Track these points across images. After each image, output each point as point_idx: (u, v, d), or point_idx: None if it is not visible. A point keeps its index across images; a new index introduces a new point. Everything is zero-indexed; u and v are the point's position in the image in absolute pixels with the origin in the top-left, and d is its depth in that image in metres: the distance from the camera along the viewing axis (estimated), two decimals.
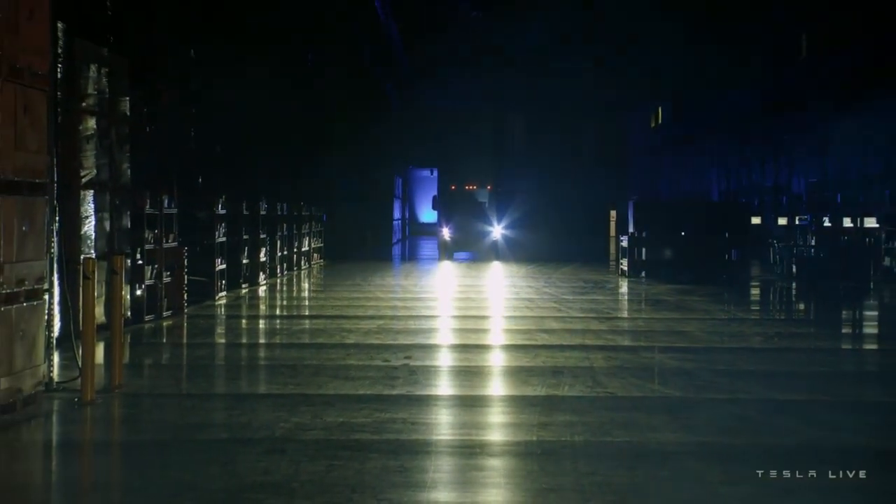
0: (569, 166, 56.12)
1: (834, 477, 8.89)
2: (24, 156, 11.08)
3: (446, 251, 42.14)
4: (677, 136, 67.52)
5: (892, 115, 37.24)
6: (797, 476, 8.92)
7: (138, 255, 19.19)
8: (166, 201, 20.61)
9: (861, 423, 11.20)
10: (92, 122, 17.38)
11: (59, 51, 15.46)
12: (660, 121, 72.21)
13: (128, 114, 18.91)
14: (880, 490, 8.67)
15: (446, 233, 42.45)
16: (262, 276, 28.46)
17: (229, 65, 28.38)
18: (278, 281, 30.15)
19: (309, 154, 39.87)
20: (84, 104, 16.99)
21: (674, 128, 68.80)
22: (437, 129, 65.79)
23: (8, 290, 10.73)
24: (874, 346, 19.27)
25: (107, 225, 17.89)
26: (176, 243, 21.00)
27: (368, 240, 49.09)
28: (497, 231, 42.09)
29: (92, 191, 17.31)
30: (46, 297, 11.89)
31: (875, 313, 24.14)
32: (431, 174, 73.13)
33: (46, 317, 11.94)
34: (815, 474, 8.95)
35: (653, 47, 54.80)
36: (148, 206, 19.73)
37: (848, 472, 9.04)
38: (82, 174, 16.96)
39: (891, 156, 38.26)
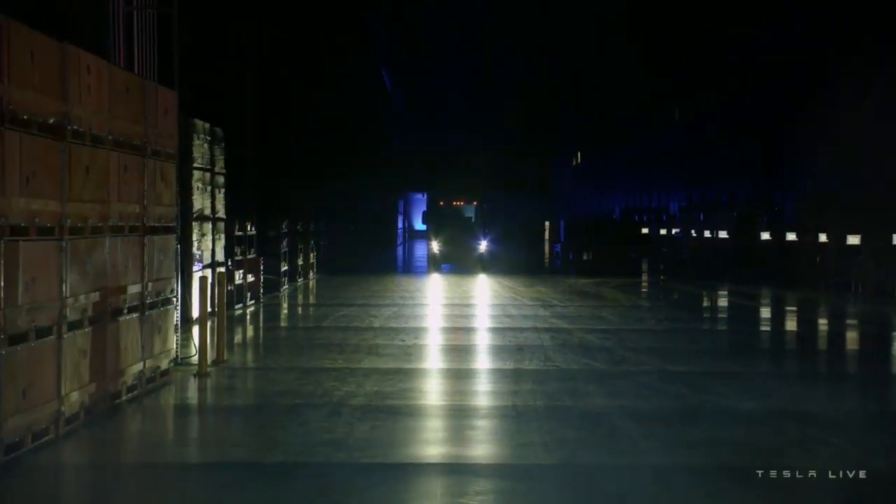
0: (520, 193, 56.15)
1: (716, 431, 8.86)
2: (161, 209, 11.06)
3: (435, 264, 33.27)
4: (591, 172, 67.73)
5: (735, 158, 37.43)
6: (691, 432, 8.85)
7: (230, 264, 19.14)
8: (249, 226, 20.58)
9: (727, 388, 11.15)
10: (199, 175, 17.32)
11: (180, 129, 15.37)
12: (578, 161, 72.39)
13: (223, 167, 18.83)
14: (747, 442, 8.67)
15: (435, 246, 33.46)
16: (311, 273, 28.37)
17: (286, 130, 28.38)
18: (321, 276, 30.00)
19: (341, 186, 39.74)
20: (195, 164, 16.93)
21: (589, 166, 69.00)
22: (429, 162, 65.87)
23: (151, 300, 10.71)
24: (724, 328, 19.11)
25: (209, 245, 17.84)
26: (255, 254, 20.98)
27: (381, 242, 48.71)
28: (483, 245, 33.30)
29: (199, 222, 17.25)
30: (175, 301, 11.85)
31: (725, 302, 24.17)
32: (423, 196, 73.06)
33: (176, 315, 11.91)
34: (702, 431, 8.91)
35: (575, 111, 55.10)
36: (237, 230, 19.70)
37: (724, 427, 9.06)
38: (193, 211, 16.90)
39: (736, 187, 38.43)
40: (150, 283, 10.67)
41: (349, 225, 41.91)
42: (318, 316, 19.14)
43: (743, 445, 8.47)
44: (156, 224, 10.90)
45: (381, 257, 42.38)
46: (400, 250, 55.14)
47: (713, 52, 39.47)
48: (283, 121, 28.15)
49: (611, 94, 51.57)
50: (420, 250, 52.39)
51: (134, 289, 10.18)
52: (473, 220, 34.28)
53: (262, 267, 21.07)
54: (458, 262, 32.88)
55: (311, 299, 23.22)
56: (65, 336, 8.48)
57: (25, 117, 7.74)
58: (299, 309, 21.04)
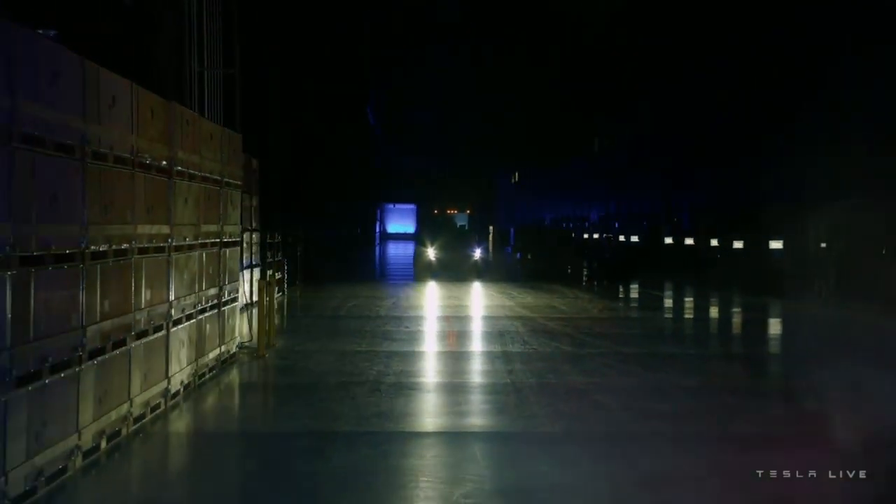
0: (476, 205, 56.27)
1: (675, 403, 8.92)
2: (231, 227, 11.08)
3: (429, 271, 28.34)
4: (527, 187, 68.00)
5: (644, 177, 37.80)
6: (655, 404, 8.86)
7: (263, 265, 19.02)
8: (276, 236, 20.48)
9: (670, 367, 11.24)
10: (243, 197, 17.16)
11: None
12: (517, 178, 72.62)
13: (258, 189, 18.68)
14: (698, 413, 8.78)
15: (431, 253, 29.11)
16: (320, 270, 28.07)
17: (300, 158, 28.26)
18: (326, 273, 29.48)
19: (336, 201, 39.54)
20: (241, 189, 16.77)
21: (525, 182, 69.30)
22: (406, 178, 65.88)
23: (225, 299, 10.70)
24: (647, 315, 19.04)
25: (249, 250, 17.70)
26: (280, 258, 20.85)
27: (362, 240, 48.35)
28: (478, 252, 29.29)
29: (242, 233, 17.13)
30: (240, 298, 11.80)
31: (637, 295, 24.32)
32: (394, 206, 72.92)
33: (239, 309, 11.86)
34: (663, 403, 8.96)
35: (515, 139, 55.50)
36: (268, 239, 19.60)
37: (679, 400, 9.16)
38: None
39: (643, 202, 38.81)
40: (223, 286, 10.66)
41: (342, 228, 41.78)
42: (334, 306, 19.00)
43: (697, 417, 8.59)
44: (228, 239, 10.89)
45: (368, 255, 42.22)
46: (378, 249, 54.91)
47: (624, 95, 39.85)
48: (296, 148, 28.02)
49: (544, 126, 52.08)
50: (394, 249, 52.16)
51: (215, 290, 10.17)
52: (466, 226, 32.84)
53: (285, 266, 20.96)
54: (446, 264, 30.21)
55: (325, 292, 22.94)
56: (171, 331, 8.46)
57: (147, 162, 7.72)
58: (317, 301, 20.80)
